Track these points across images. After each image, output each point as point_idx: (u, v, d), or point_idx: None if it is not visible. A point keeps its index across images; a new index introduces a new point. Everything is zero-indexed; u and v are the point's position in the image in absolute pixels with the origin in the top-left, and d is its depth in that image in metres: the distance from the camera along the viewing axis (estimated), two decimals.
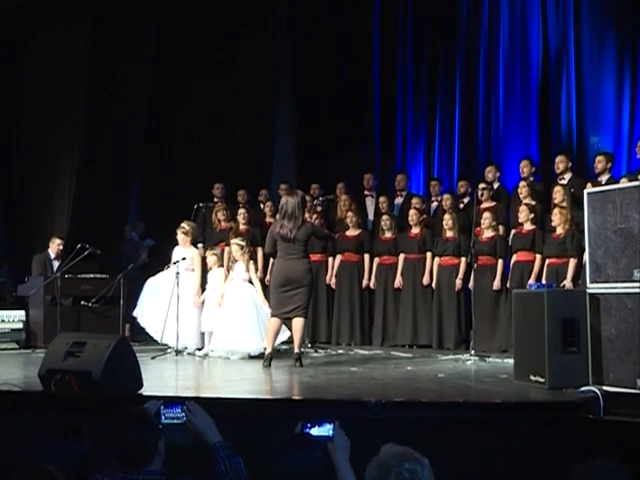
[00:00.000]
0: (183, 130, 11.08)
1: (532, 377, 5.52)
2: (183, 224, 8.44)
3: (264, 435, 3.63)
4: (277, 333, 7.04)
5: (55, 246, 9.45)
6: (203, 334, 8.12)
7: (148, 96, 10.52)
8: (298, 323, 6.92)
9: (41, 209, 10.47)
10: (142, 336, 8.54)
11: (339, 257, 9.21)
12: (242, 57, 10.98)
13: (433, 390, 5.66)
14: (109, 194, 10.33)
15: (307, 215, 9.13)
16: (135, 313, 8.25)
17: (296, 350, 6.88)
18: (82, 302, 8.89)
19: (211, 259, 8.34)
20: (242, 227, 9.10)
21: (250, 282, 7.99)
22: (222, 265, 8.36)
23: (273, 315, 7.00)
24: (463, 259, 8.36)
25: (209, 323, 8.03)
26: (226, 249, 8.75)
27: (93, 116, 10.16)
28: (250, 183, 10.05)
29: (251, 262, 8.00)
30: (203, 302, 8.20)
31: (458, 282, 8.42)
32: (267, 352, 6.91)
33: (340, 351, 8.42)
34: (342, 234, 9.24)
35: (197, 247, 8.88)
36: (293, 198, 7.03)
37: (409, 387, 5.83)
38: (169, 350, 7.84)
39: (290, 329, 7.15)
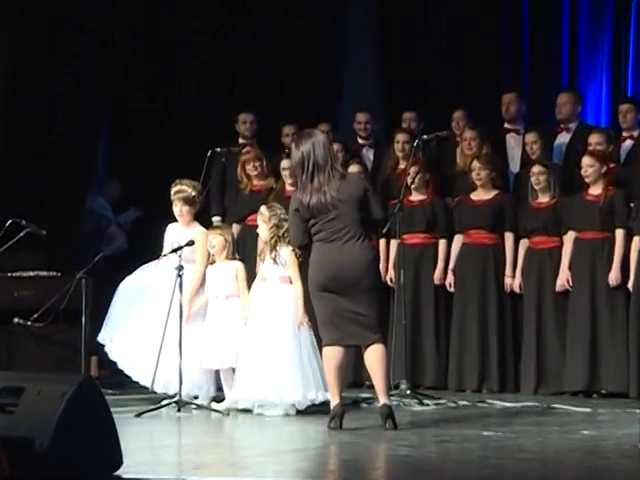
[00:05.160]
0: (190, 40, 11.33)
1: None
2: (183, 185, 8.40)
3: None
4: (342, 373, 7.02)
5: None
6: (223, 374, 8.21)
7: None
8: (374, 353, 6.94)
9: None
10: (120, 377, 8.61)
11: (459, 237, 9.29)
12: None
13: (628, 472, 5.62)
14: (60, 141, 10.49)
15: (403, 165, 9.14)
16: (101, 337, 8.35)
17: (383, 400, 6.92)
18: (16, 319, 9.03)
19: (215, 241, 8.21)
20: (289, 188, 9.11)
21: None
22: (235, 256, 8.32)
23: (327, 344, 7.00)
24: None
25: (218, 356, 8.12)
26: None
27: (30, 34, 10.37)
28: (301, 116, 10.06)
29: (289, 248, 7.85)
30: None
31: None
32: (333, 405, 6.96)
33: (463, 402, 8.47)
34: (465, 198, 9.30)
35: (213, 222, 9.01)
36: (311, 141, 6.94)
37: (586, 466, 5.84)
38: (166, 402, 7.90)
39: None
